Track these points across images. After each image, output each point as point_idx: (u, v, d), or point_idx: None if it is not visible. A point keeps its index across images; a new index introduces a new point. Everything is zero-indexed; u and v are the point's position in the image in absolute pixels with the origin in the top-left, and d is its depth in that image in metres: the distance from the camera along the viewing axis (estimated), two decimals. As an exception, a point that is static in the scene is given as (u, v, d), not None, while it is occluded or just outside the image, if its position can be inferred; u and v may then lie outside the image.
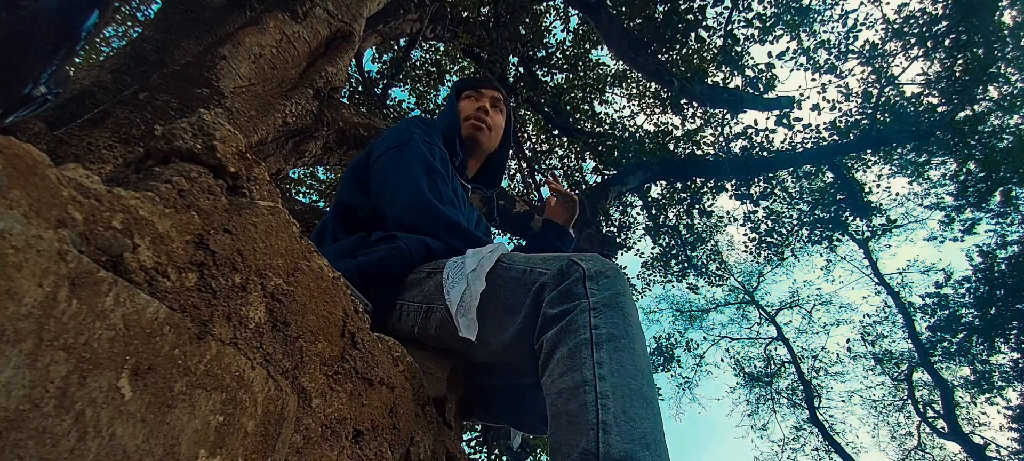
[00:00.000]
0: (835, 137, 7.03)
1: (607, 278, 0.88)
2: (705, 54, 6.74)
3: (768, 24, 6.71)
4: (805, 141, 7.07)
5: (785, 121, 6.76)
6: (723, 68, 6.81)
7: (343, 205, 1.28)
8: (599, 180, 6.99)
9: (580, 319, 0.83)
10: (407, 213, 1.13)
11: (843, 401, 11.72)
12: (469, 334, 0.91)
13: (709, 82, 6.55)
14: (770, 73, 6.57)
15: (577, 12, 6.47)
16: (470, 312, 0.92)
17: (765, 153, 6.99)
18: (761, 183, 7.33)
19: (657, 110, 7.72)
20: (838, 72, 7.17)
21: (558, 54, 7.16)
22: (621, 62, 6.50)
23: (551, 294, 0.88)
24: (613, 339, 0.81)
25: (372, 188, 1.22)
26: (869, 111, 6.96)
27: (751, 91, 6.54)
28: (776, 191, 7.60)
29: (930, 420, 9.83)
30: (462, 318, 0.92)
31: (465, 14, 5.69)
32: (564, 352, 0.82)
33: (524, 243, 1.49)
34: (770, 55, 8.29)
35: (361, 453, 0.63)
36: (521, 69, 6.92)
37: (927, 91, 6.92)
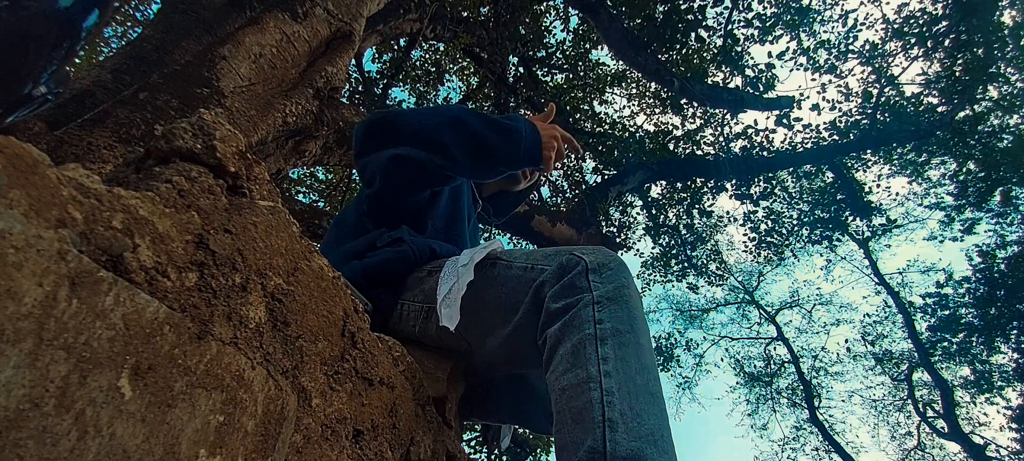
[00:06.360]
0: (835, 137, 7.02)
1: (610, 270, 0.86)
2: (705, 54, 6.73)
3: (768, 24, 6.70)
4: (805, 141, 7.07)
5: (785, 121, 6.75)
6: (723, 68, 6.80)
7: (362, 203, 1.26)
8: (599, 180, 6.98)
9: (583, 314, 0.82)
10: (439, 127, 1.06)
11: (843, 401, 11.73)
12: (449, 323, 0.90)
13: (709, 82, 6.54)
14: (770, 73, 6.56)
15: (577, 12, 6.46)
16: (454, 303, 0.91)
17: (765, 153, 6.98)
18: (761, 183, 7.31)
19: (657, 110, 7.71)
20: (838, 72, 7.17)
21: (558, 54, 7.15)
22: (621, 62, 6.49)
23: (553, 289, 0.87)
24: (618, 334, 0.80)
25: (388, 130, 1.11)
26: (869, 111, 6.96)
27: (751, 91, 6.53)
28: (776, 191, 7.58)
29: (930, 420, 9.83)
30: (445, 308, 0.91)
31: (465, 14, 5.68)
32: (568, 348, 0.81)
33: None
34: (770, 55, 8.30)
35: (361, 453, 0.63)
36: (521, 69, 6.91)
37: (927, 91, 6.92)
